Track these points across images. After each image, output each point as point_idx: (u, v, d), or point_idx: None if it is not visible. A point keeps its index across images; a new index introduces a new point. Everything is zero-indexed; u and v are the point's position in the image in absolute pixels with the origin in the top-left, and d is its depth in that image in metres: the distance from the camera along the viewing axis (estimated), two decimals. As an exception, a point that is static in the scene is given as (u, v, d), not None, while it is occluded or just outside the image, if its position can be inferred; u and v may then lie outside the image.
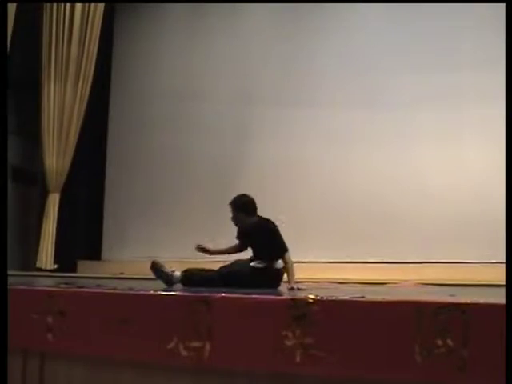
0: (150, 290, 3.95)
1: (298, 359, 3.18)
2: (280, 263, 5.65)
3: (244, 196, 5.91)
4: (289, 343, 3.20)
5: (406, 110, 9.50)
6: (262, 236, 5.71)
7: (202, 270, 5.76)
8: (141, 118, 11.18)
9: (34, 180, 11.01)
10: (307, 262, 6.94)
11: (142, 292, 3.86)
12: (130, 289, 4.06)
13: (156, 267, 5.64)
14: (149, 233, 10.52)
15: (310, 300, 3.23)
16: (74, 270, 10.48)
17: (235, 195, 5.97)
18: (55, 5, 10.54)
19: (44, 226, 10.48)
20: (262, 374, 3.35)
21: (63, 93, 10.57)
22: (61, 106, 10.56)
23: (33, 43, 10.44)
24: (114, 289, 4.11)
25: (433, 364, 2.95)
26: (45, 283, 5.59)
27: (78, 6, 10.56)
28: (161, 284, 5.37)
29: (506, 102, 3.79)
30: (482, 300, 3.10)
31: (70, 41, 10.55)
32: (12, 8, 8.92)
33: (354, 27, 10.13)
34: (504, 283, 3.47)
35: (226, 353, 3.38)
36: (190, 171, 10.60)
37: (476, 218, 8.82)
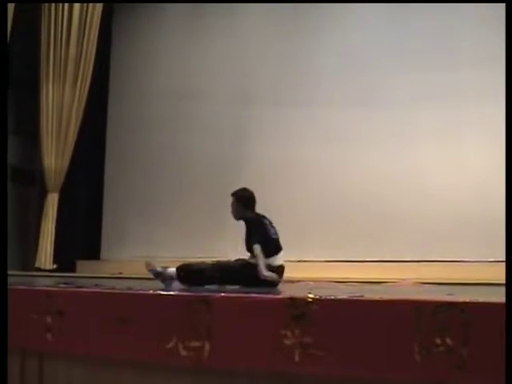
0: (149, 289, 3.96)
1: (297, 358, 3.19)
2: (278, 260, 5.70)
3: (246, 190, 6.00)
4: (288, 342, 3.20)
5: (404, 109, 9.50)
6: (255, 231, 5.79)
7: (197, 263, 5.83)
8: (139, 117, 11.18)
9: (33, 180, 11.01)
10: (306, 262, 6.96)
11: (141, 292, 3.87)
12: (129, 288, 4.06)
13: (149, 268, 5.67)
14: (148, 232, 10.52)
15: (309, 299, 3.24)
16: (73, 270, 10.48)
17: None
18: (53, 5, 10.53)
19: (43, 225, 10.48)
20: (261, 374, 3.35)
21: (62, 93, 10.56)
22: (59, 105, 10.55)
23: (31, 43, 10.43)
24: (113, 288, 4.12)
25: (432, 363, 2.95)
26: (44, 283, 5.59)
27: (77, 6, 10.55)
28: (160, 284, 5.37)
29: (506, 101, 3.79)
30: (480, 299, 3.10)
31: (68, 41, 10.54)
32: (10, 8, 8.91)
33: (352, 26, 10.12)
34: (503, 282, 3.47)
35: (225, 352, 3.38)
36: (189, 171, 10.60)
37: (474, 216, 8.83)
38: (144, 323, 3.61)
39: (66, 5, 10.55)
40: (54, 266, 10.35)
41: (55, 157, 10.51)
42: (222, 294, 3.56)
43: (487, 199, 8.75)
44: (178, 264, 5.83)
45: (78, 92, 10.57)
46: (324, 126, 9.87)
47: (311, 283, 5.98)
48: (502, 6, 7.61)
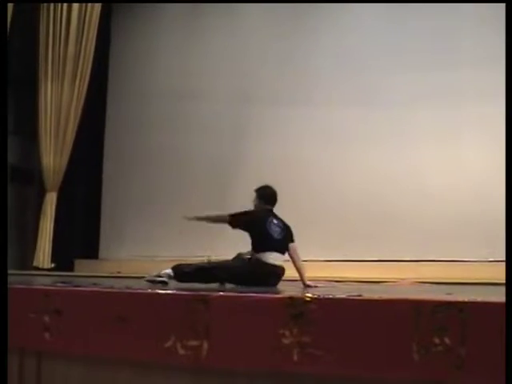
0: (148, 288, 3.95)
1: (295, 358, 3.18)
2: (273, 258, 5.75)
3: (268, 187, 6.20)
4: (286, 342, 3.20)
5: (404, 109, 9.51)
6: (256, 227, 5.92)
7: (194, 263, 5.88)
8: (138, 117, 11.18)
9: (32, 179, 11.00)
10: (304, 261, 6.91)
11: (139, 291, 3.86)
12: (127, 287, 4.05)
13: (145, 279, 5.68)
14: (146, 232, 10.53)
15: (308, 298, 3.23)
16: (71, 269, 10.49)
17: (258, 186, 6.25)
18: (52, 4, 10.54)
19: (41, 224, 10.49)
20: (259, 373, 3.35)
21: (60, 92, 10.56)
22: (58, 104, 10.56)
23: (30, 42, 10.45)
24: (111, 288, 4.11)
25: (430, 362, 2.95)
26: (42, 282, 5.59)
27: (75, 5, 10.56)
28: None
29: (506, 101, 3.78)
30: (479, 298, 3.09)
31: (67, 40, 10.55)
32: (9, 7, 8.90)
33: (351, 26, 10.14)
34: (501, 282, 3.47)
35: (223, 351, 3.37)
36: (188, 170, 10.60)
37: (473, 216, 8.83)
38: (142, 322, 3.60)
39: (65, 4, 10.56)
40: (52, 265, 10.36)
41: (54, 156, 10.52)
42: (221, 293, 3.56)
43: (486, 199, 8.75)
44: (175, 263, 5.84)
45: (76, 91, 10.58)
46: (323, 126, 9.88)
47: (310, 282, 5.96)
48: (501, 5, 7.62)
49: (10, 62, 6.15)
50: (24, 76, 10.40)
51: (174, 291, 3.80)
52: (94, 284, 4.58)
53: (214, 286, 5.31)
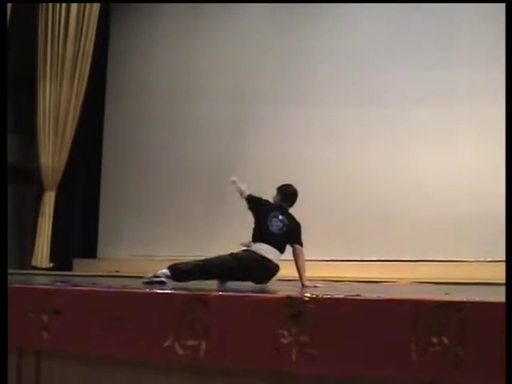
0: (146, 288, 3.95)
1: (293, 357, 3.18)
2: (265, 250, 5.81)
3: (290, 186, 6.34)
4: (285, 341, 3.20)
5: (401, 108, 9.51)
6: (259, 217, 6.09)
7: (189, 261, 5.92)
8: (136, 116, 11.18)
9: (30, 178, 10.98)
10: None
11: (137, 290, 3.87)
12: (126, 287, 4.06)
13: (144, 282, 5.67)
14: (144, 231, 10.52)
15: (306, 298, 3.24)
16: (70, 269, 10.47)
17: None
18: (51, 4, 10.52)
19: (39, 224, 10.47)
20: (258, 373, 3.35)
21: (59, 91, 10.54)
22: (57, 104, 10.54)
23: (29, 42, 10.43)
24: (110, 287, 4.11)
25: (428, 362, 2.95)
26: (40, 281, 5.59)
27: (74, 4, 10.54)
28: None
29: (506, 101, 3.78)
30: (477, 298, 3.10)
31: (65, 39, 10.52)
32: (8, 7, 8.89)
33: (349, 25, 10.13)
34: (500, 281, 3.48)
35: (222, 351, 3.38)
36: (186, 169, 10.59)
37: (472, 216, 8.83)
38: (141, 322, 3.61)
39: (64, 3, 10.54)
40: (51, 265, 10.33)
41: (52, 155, 10.50)
42: (219, 293, 3.56)
43: (484, 199, 8.76)
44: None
45: (75, 90, 10.56)
46: (321, 125, 9.88)
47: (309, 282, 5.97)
48: (498, 4, 7.63)
49: (8, 61, 6.16)
50: (23, 75, 10.39)
51: (173, 291, 3.80)
52: (93, 283, 4.58)
53: (213, 285, 5.31)
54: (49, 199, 10.52)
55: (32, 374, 3.95)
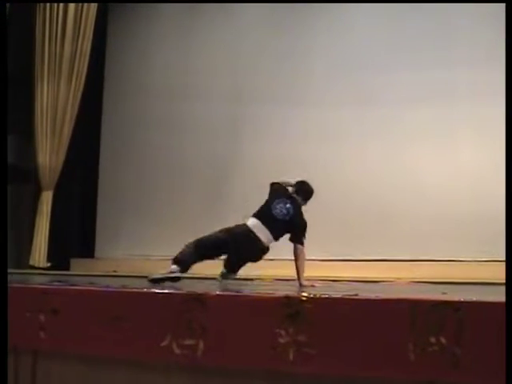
0: (144, 287, 3.95)
1: (291, 357, 3.18)
2: (256, 227, 5.91)
3: (309, 185, 6.39)
4: (282, 341, 3.20)
5: (400, 108, 9.52)
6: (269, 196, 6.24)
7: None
8: (134, 116, 11.18)
9: (27, 177, 10.97)
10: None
11: (135, 290, 3.86)
12: (124, 287, 4.05)
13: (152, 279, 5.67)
14: (142, 231, 10.52)
15: (304, 298, 3.23)
16: (68, 268, 10.47)
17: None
18: (48, 3, 10.52)
19: (37, 223, 10.46)
20: (255, 372, 3.35)
21: (57, 90, 10.54)
22: (54, 103, 10.54)
23: (26, 41, 10.41)
24: (108, 287, 4.11)
25: (426, 362, 2.95)
26: (38, 281, 5.58)
27: (72, 4, 10.55)
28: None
29: (506, 101, 3.78)
30: (475, 298, 3.10)
31: (63, 39, 10.53)
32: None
33: (347, 25, 10.15)
34: (497, 281, 3.48)
35: (219, 351, 3.38)
36: (183, 169, 10.60)
37: (471, 216, 8.84)
38: (138, 321, 3.60)
39: (61, 3, 10.54)
40: (48, 264, 10.33)
41: (50, 154, 10.50)
42: (217, 293, 3.56)
43: (483, 199, 8.77)
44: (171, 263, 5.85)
45: (72, 90, 10.55)
46: (319, 125, 9.89)
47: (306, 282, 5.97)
48: (498, 4, 7.63)
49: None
50: (20, 75, 10.36)
51: (171, 290, 3.80)
52: (91, 283, 4.58)
53: (212, 284, 5.31)
54: (46, 199, 10.52)
55: (29, 374, 3.95)
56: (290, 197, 6.16)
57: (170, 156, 10.74)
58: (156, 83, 11.12)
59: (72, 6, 10.52)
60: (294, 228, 5.99)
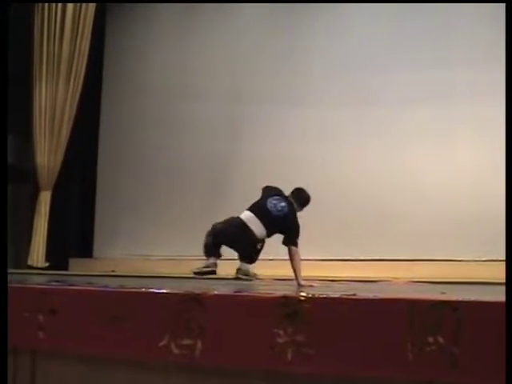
0: (142, 287, 3.94)
1: (289, 357, 3.18)
2: (247, 218, 6.17)
3: (306, 192, 6.50)
4: (280, 341, 3.20)
5: (399, 108, 9.53)
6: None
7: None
8: (132, 116, 11.18)
9: (26, 177, 10.97)
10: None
11: (133, 290, 3.86)
12: (122, 286, 4.05)
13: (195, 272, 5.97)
14: (140, 231, 10.52)
15: (302, 298, 3.23)
16: (66, 268, 10.48)
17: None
18: (47, 3, 10.52)
19: (35, 223, 10.46)
20: (253, 372, 3.35)
21: (55, 90, 10.55)
22: (52, 103, 10.54)
23: (24, 41, 10.41)
24: (106, 287, 4.10)
25: (424, 361, 2.95)
26: (36, 281, 5.58)
27: (70, 4, 10.55)
28: (152, 282, 5.37)
29: (506, 101, 3.78)
30: (473, 298, 3.10)
31: (61, 39, 10.53)
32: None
33: (346, 25, 10.15)
34: (496, 281, 3.48)
35: (217, 351, 3.37)
36: (182, 169, 10.60)
37: (470, 216, 8.85)
38: (136, 321, 3.60)
39: (60, 3, 10.54)
40: (47, 264, 10.33)
41: (48, 154, 10.50)
42: (215, 292, 3.55)
43: (481, 198, 8.78)
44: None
45: (71, 90, 10.56)
46: (318, 125, 9.89)
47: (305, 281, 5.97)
48: (497, 4, 7.63)
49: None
50: (18, 75, 10.34)
51: (169, 290, 3.80)
52: (89, 283, 4.57)
53: (211, 284, 5.31)
54: (45, 199, 10.52)
55: (27, 374, 3.94)
56: (286, 198, 6.23)
57: (169, 156, 10.75)
58: (154, 83, 11.12)
59: (70, 6, 10.52)
60: (288, 230, 6.10)
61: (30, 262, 10.32)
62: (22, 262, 10.44)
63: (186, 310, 3.45)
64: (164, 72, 11.13)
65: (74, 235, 11.33)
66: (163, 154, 10.78)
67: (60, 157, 10.56)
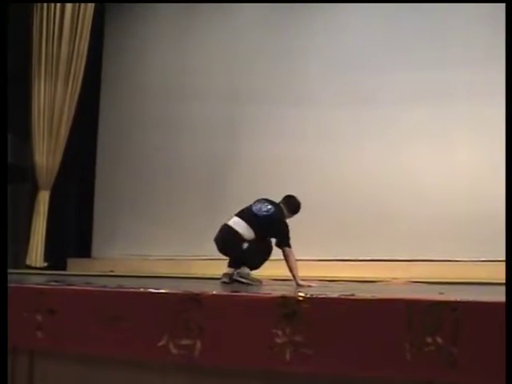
0: (140, 287, 3.94)
1: (287, 357, 3.18)
2: (233, 221, 6.31)
3: (296, 199, 6.55)
4: (279, 341, 3.20)
5: (397, 109, 9.53)
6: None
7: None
8: (131, 116, 11.18)
9: (24, 177, 10.96)
10: (297, 260, 6.94)
11: (132, 290, 3.86)
12: (120, 286, 4.05)
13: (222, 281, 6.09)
14: (139, 231, 10.52)
15: (300, 298, 3.23)
16: (64, 268, 10.47)
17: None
18: (45, 3, 10.51)
19: (34, 223, 10.45)
20: (252, 372, 3.35)
21: (53, 91, 10.54)
22: (51, 103, 10.53)
23: (23, 41, 10.40)
24: (104, 287, 4.10)
25: (422, 361, 2.95)
26: (34, 281, 5.57)
27: (69, 4, 10.55)
28: (150, 282, 5.37)
29: (506, 101, 3.78)
30: (471, 298, 3.10)
31: (60, 39, 10.52)
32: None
33: (345, 25, 10.15)
34: (494, 281, 3.48)
35: (216, 351, 3.37)
36: (181, 169, 10.60)
37: (467, 216, 8.85)
38: (135, 321, 3.60)
39: (58, 3, 10.54)
40: (45, 264, 10.32)
41: (47, 154, 10.49)
42: (214, 293, 3.55)
43: (479, 199, 8.78)
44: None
45: (69, 90, 10.55)
46: (316, 125, 9.89)
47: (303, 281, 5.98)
48: (495, 4, 7.64)
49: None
50: (17, 75, 10.33)
51: (167, 290, 3.80)
52: (88, 283, 4.57)
53: (210, 284, 5.32)
54: (43, 198, 10.51)
55: (25, 374, 3.94)
56: (273, 202, 6.29)
57: (167, 156, 10.74)
58: (153, 83, 11.11)
59: (69, 6, 10.51)
60: (277, 232, 6.15)
61: (28, 262, 10.31)
62: (20, 261, 10.43)
63: (185, 310, 3.45)
64: (163, 72, 11.12)
65: (73, 235, 11.33)
66: (162, 154, 10.78)
67: (59, 157, 10.55)
